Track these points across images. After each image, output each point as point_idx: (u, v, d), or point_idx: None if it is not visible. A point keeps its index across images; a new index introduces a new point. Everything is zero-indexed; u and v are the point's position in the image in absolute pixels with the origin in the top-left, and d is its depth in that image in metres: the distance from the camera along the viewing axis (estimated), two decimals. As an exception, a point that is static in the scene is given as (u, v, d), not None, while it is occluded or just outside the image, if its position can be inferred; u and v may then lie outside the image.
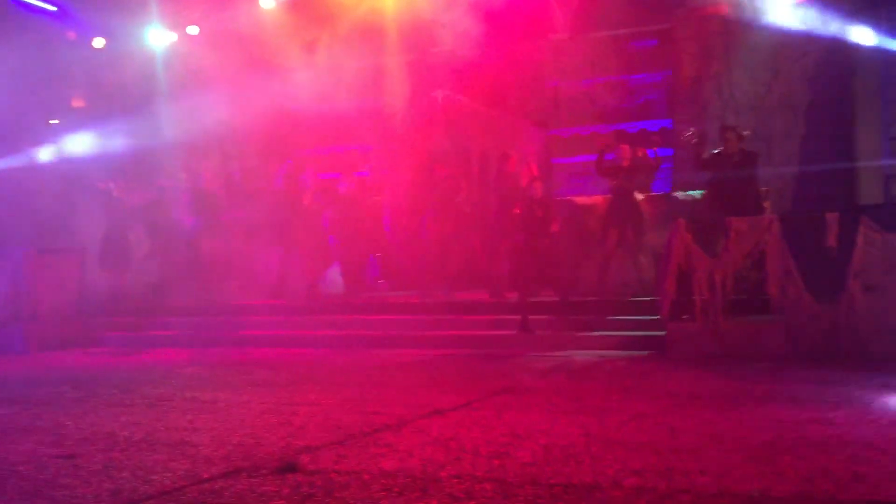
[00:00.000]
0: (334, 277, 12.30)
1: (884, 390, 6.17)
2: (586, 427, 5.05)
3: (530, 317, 9.23)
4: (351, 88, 15.08)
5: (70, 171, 14.50)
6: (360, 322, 10.49)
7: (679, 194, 10.17)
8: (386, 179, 14.25)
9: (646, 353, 8.51)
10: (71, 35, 14.81)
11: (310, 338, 10.11)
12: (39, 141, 14.99)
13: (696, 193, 9.97)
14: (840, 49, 11.72)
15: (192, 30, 14.28)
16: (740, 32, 12.03)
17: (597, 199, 10.62)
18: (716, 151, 9.42)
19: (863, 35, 11.72)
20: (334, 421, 5.46)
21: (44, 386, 7.61)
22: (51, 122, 16.02)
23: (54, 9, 14.64)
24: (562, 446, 4.57)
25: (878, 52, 12.19)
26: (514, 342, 9.11)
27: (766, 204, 9.56)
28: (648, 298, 8.97)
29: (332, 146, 14.97)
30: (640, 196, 9.95)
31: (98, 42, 14.65)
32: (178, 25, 14.46)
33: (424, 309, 10.60)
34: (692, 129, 10.31)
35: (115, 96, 14.89)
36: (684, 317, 8.39)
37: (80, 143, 14.78)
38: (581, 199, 10.77)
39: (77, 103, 15.82)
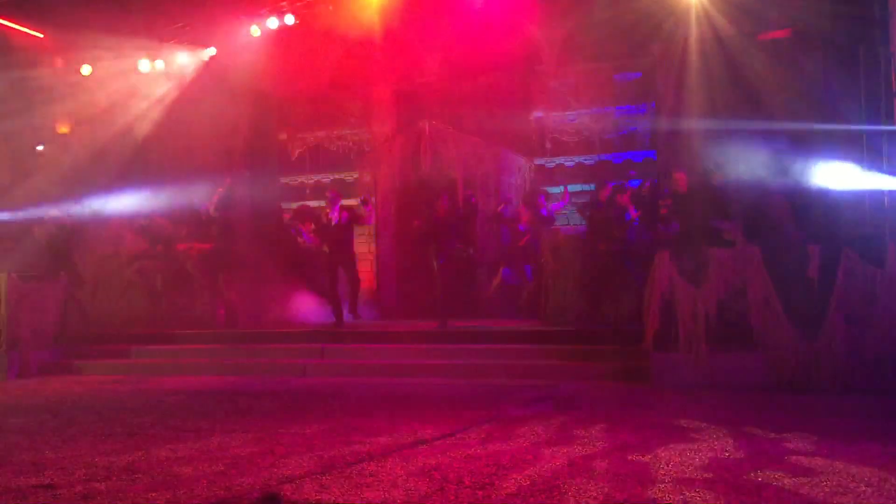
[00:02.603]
0: (312, 305, 12.32)
1: (865, 422, 6.21)
2: (571, 457, 5.05)
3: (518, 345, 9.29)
4: (339, 117, 15.20)
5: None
6: (346, 351, 10.46)
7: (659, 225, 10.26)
8: (375, 208, 14.33)
9: (631, 383, 8.53)
10: (58, 62, 14.84)
11: (294, 366, 10.06)
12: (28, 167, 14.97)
13: None
14: (819, 82, 11.92)
15: (181, 57, 14.34)
16: (721, 67, 12.21)
17: (579, 230, 10.71)
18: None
19: (842, 69, 11.95)
20: (317, 450, 5.42)
21: (24, 414, 7.51)
22: (37, 147, 15.99)
23: (41, 35, 14.69)
24: (546, 477, 4.56)
25: (857, 86, 12.44)
26: (500, 372, 9.10)
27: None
28: (634, 328, 9.00)
29: (318, 173, 15.01)
30: None
31: (85, 68, 14.68)
32: (166, 52, 14.51)
33: (412, 338, 10.58)
34: (647, 182, 10.78)
35: (99, 122, 14.89)
36: (668, 347, 8.43)
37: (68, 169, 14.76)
38: (565, 230, 10.85)
39: (63, 129, 15.80)
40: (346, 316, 11.65)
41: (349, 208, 11.88)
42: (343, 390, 8.50)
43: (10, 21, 14.45)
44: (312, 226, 12.13)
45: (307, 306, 12.39)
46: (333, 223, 11.62)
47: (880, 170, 12.22)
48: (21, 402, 8.47)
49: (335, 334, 11.13)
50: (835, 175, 8.87)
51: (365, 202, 11.84)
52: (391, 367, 9.67)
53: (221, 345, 11.25)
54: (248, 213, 14.69)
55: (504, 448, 5.39)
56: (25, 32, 14.66)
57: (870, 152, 12.35)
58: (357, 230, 12.12)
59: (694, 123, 12.30)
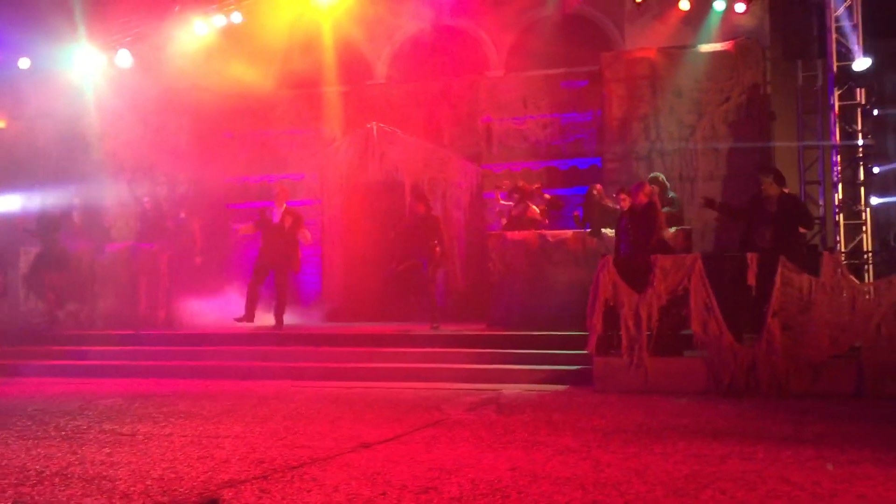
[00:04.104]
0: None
1: (799, 426, 6.37)
2: (514, 461, 5.07)
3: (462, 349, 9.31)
4: (286, 117, 15.05)
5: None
6: (289, 354, 10.34)
7: (605, 231, 10.39)
8: (320, 208, 14.22)
9: (573, 387, 8.61)
10: (-5, 54, 14.40)
11: (236, 369, 9.91)
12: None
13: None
14: (760, 95, 12.24)
15: (123, 54, 14.02)
16: (665, 76, 12.44)
17: (527, 235, 10.78)
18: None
19: (781, 82, 12.30)
20: (259, 454, 5.35)
21: (-49, 417, 7.25)
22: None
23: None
24: (489, 481, 4.57)
25: (795, 99, 12.82)
26: (444, 376, 9.10)
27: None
28: (577, 333, 9.09)
29: (266, 174, 14.83)
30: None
31: (24, 62, 14.27)
32: (108, 48, 14.18)
33: (356, 341, 10.52)
34: (596, 186, 11.19)
35: (39, 118, 14.52)
36: (611, 352, 8.54)
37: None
38: (512, 235, 10.91)
39: (-1, 124, 15.33)
40: (273, 323, 11.40)
41: (294, 212, 11.65)
42: (286, 394, 8.40)
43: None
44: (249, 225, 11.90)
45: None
46: (273, 222, 11.44)
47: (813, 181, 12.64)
48: (-51, 404, 8.18)
49: (279, 337, 11.00)
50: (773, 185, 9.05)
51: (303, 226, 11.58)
52: (335, 370, 9.59)
53: (161, 347, 11.02)
54: (190, 213, 14.45)
55: (447, 452, 5.38)
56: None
57: (805, 164, 12.76)
58: None
59: (638, 132, 12.53)
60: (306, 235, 11.47)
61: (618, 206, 9.88)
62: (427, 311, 11.00)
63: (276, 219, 11.42)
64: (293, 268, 11.54)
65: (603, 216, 10.68)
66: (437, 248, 10.92)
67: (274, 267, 11.37)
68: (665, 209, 10.10)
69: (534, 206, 11.42)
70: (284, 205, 11.56)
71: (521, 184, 11.66)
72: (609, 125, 12.82)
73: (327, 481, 4.60)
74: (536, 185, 12.30)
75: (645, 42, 13.03)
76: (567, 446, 5.54)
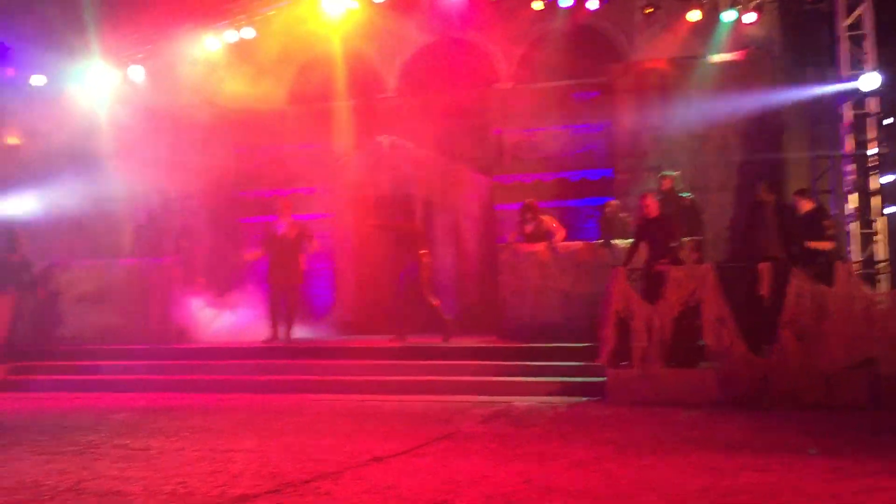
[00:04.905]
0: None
1: (812, 437, 6.32)
2: (527, 474, 5.05)
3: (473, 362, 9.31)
4: (297, 131, 15.12)
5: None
6: (299, 367, 10.35)
7: (618, 242, 10.36)
8: (331, 222, 14.24)
9: (586, 399, 8.57)
10: (9, 71, 14.54)
11: (247, 382, 9.93)
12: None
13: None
14: (771, 105, 12.20)
15: (136, 70, 14.16)
16: (676, 87, 12.43)
17: (538, 247, 10.77)
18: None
19: (792, 93, 12.27)
20: (271, 468, 5.35)
21: (-34, 432, 7.29)
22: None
23: (-9, 44, 14.39)
24: (503, 494, 4.56)
25: (806, 110, 12.77)
26: (455, 388, 9.08)
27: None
28: (589, 344, 9.06)
29: (277, 189, 14.90)
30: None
31: (38, 79, 14.41)
32: (121, 64, 14.32)
33: (368, 354, 10.52)
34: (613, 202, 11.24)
35: (54, 135, 14.65)
36: (623, 363, 8.51)
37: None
38: (523, 247, 10.90)
39: (12, 141, 15.46)
40: (281, 336, 11.45)
41: (300, 224, 11.70)
42: (298, 407, 8.41)
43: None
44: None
45: (258, 322, 12.20)
46: (278, 235, 11.48)
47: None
48: (-36, 419, 8.23)
49: (291, 350, 11.01)
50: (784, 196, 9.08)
51: (310, 237, 11.63)
52: (347, 383, 9.58)
53: (174, 361, 11.05)
54: (203, 228, 14.55)
55: (460, 465, 5.37)
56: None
57: (817, 174, 12.71)
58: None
59: (649, 143, 12.52)
60: (315, 245, 11.51)
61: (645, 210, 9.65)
62: (437, 324, 10.99)
63: (281, 232, 11.47)
64: (298, 280, 11.58)
65: (614, 231, 10.68)
66: (425, 258, 10.99)
67: (282, 280, 11.40)
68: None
69: (546, 217, 11.36)
70: (290, 218, 11.60)
71: (529, 201, 11.59)
72: (620, 136, 12.82)
73: (340, 495, 4.60)
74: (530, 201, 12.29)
75: (654, 53, 13.04)
76: (580, 459, 5.51)
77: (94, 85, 14.45)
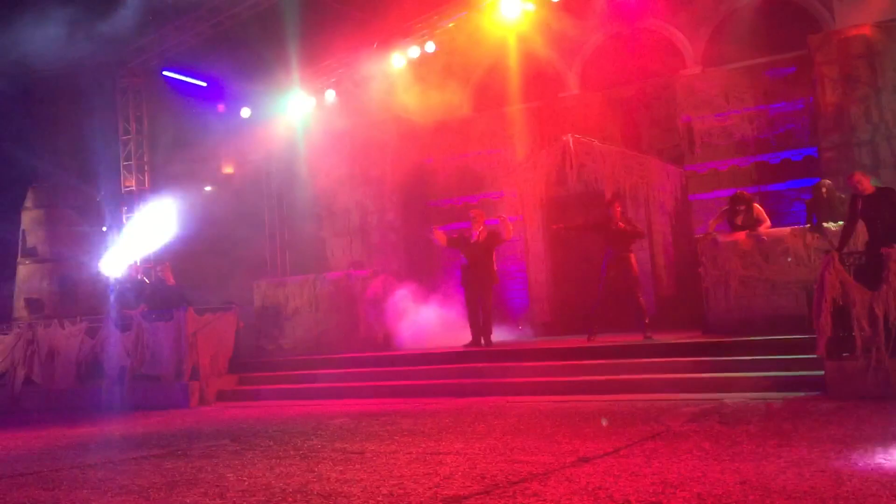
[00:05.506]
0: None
1: None
2: (742, 474, 4.82)
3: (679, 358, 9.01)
4: (482, 138, 15.39)
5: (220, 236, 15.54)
6: (499, 369, 10.49)
7: (829, 225, 9.67)
8: (521, 225, 14.34)
9: (803, 394, 8.05)
10: (220, 107, 15.92)
11: (452, 386, 10.20)
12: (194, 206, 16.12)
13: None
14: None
15: (329, 94, 15.03)
16: (885, 53, 11.42)
17: (739, 236, 10.28)
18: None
19: None
20: (480, 470, 5.46)
21: (205, 439, 8.02)
22: (206, 188, 17.17)
23: (205, 84, 15.81)
24: (717, 495, 4.38)
25: None
26: (659, 386, 8.84)
27: None
28: (803, 336, 8.52)
29: (465, 196, 15.24)
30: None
31: (245, 112, 15.66)
32: (316, 91, 15.25)
33: (566, 355, 10.48)
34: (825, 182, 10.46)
35: (261, 163, 15.85)
36: (844, 354, 7.90)
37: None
38: (723, 237, 10.45)
39: (227, 170, 16.91)
40: (480, 341, 11.66)
41: (490, 228, 11.95)
42: (500, 409, 8.53)
43: (177, 74, 15.65)
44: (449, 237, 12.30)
45: (457, 327, 12.51)
46: (472, 240, 11.79)
47: None
48: (202, 427, 9.06)
49: (491, 354, 11.20)
50: None
51: (503, 221, 11.82)
52: (548, 384, 9.60)
53: (381, 368, 11.57)
54: (399, 239, 15.14)
55: (670, 465, 5.22)
56: (192, 83, 15.82)
57: None
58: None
59: (857, 117, 11.58)
60: (509, 229, 11.69)
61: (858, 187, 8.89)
62: (637, 321, 10.77)
63: (474, 237, 11.76)
64: (493, 281, 11.79)
65: (833, 213, 9.92)
66: (632, 255, 10.77)
67: (477, 285, 11.67)
68: None
69: (758, 206, 10.77)
70: (482, 225, 11.85)
71: (740, 192, 10.98)
72: (823, 112, 11.97)
73: (549, 496, 4.61)
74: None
75: (857, 18, 12.04)
76: (801, 457, 5.19)
77: (294, 112, 15.48)
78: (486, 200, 14.93)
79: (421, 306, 13.14)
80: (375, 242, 15.42)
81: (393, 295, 13.06)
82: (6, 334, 13.35)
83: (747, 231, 10.30)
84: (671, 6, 14.37)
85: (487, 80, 16.02)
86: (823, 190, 10.41)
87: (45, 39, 13.72)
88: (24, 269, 16.25)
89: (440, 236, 12.31)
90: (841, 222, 9.22)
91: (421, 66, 14.97)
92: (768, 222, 10.43)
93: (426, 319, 13.02)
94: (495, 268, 11.94)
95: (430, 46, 14.64)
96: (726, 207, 10.75)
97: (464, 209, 14.92)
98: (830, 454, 5.24)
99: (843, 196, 10.26)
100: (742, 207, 10.48)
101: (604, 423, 7.12)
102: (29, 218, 16.40)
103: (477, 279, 11.69)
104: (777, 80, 13.12)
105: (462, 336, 11.91)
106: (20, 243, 16.34)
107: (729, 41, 13.90)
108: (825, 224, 9.73)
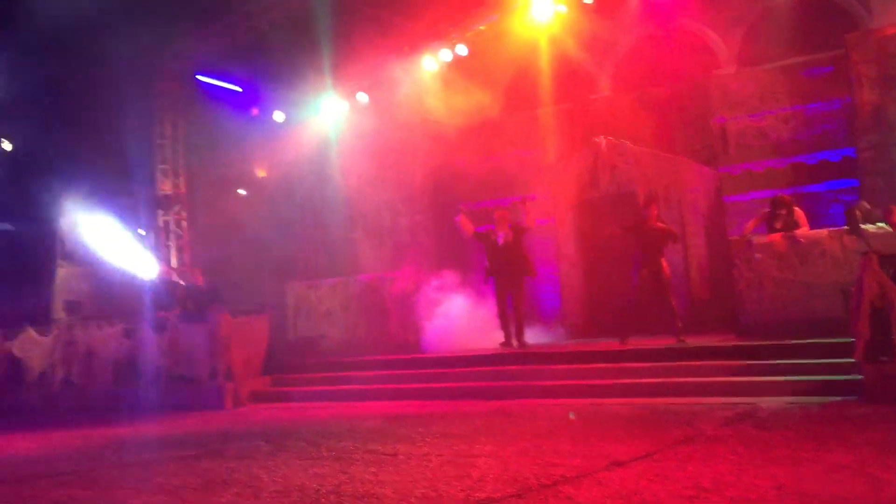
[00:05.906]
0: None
1: None
2: (778, 479, 4.77)
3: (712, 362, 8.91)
4: (514, 140, 15.37)
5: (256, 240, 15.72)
6: (530, 372, 10.46)
7: (869, 227, 9.51)
8: (554, 227, 14.28)
9: (840, 398, 7.92)
10: (254, 111, 16.11)
11: (481, 389, 10.19)
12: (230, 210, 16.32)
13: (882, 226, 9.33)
14: None
15: (361, 98, 15.11)
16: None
17: (775, 238, 10.16)
18: None
19: None
20: (512, 473, 5.45)
21: (239, 440, 8.11)
22: (239, 191, 17.37)
23: (239, 89, 16.01)
24: (752, 500, 4.34)
25: None
26: (691, 390, 8.76)
27: None
28: (839, 340, 8.39)
29: (496, 198, 15.22)
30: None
31: (278, 115, 15.81)
32: (348, 94, 15.35)
33: (599, 357, 10.42)
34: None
35: (294, 166, 15.99)
36: (883, 358, 7.77)
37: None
38: (758, 239, 10.33)
39: (261, 174, 17.10)
40: (514, 343, 11.63)
41: (515, 226, 11.84)
42: (531, 412, 8.51)
43: (211, 79, 15.86)
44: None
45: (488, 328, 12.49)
46: (500, 244, 11.70)
47: None
48: (236, 428, 9.15)
49: (523, 356, 11.17)
50: None
51: (523, 202, 11.76)
52: (580, 387, 9.54)
53: (413, 370, 11.59)
54: (429, 240, 15.17)
55: (704, 469, 5.18)
56: (226, 87, 16.02)
57: None
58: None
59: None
60: (530, 214, 11.66)
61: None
62: (670, 324, 10.68)
63: (501, 241, 11.70)
64: (529, 274, 11.74)
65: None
66: (664, 258, 10.69)
67: (507, 286, 11.63)
68: None
69: (798, 210, 10.61)
70: (506, 228, 11.77)
71: (780, 195, 10.81)
72: (861, 111, 11.78)
73: (581, 500, 4.60)
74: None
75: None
76: (838, 462, 5.11)
77: (326, 115, 15.60)
78: (509, 205, 14.89)
79: (452, 307, 13.14)
80: (405, 243, 15.46)
81: (424, 296, 13.09)
82: (45, 336, 13.60)
83: (783, 233, 10.16)
84: (705, 6, 14.23)
85: (518, 81, 15.98)
86: (858, 213, 10.15)
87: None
88: (62, 272, 16.61)
89: (466, 224, 12.20)
90: (880, 224, 9.06)
91: (452, 69, 15.00)
92: (807, 228, 10.26)
93: (458, 320, 13.01)
94: (530, 259, 11.82)
95: (462, 49, 14.66)
96: (767, 210, 10.60)
97: (495, 211, 14.92)
98: (868, 459, 5.16)
99: (879, 214, 10.01)
100: (783, 211, 10.33)
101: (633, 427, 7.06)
102: (67, 222, 16.74)
103: (507, 281, 11.63)
104: (813, 80, 12.94)
105: (495, 336, 11.89)
106: (58, 247, 16.69)
107: (763, 41, 13.74)
108: (864, 226, 9.56)
